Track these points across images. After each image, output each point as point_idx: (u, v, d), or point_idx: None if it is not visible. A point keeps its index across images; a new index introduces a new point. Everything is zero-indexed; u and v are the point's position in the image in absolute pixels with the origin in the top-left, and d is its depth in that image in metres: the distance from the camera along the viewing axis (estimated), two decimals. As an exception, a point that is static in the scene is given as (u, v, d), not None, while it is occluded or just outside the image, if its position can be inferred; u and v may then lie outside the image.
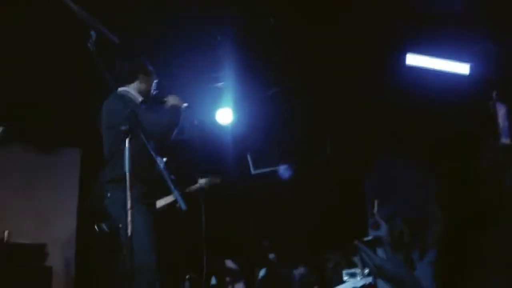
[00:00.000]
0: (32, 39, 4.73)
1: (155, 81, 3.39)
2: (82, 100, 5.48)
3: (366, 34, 4.83)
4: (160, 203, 4.75)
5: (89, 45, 2.46)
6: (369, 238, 3.80)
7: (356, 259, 4.28)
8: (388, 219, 2.78)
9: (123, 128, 2.29)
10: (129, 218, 2.20)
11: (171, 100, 3.25)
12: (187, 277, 6.17)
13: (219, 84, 5.74)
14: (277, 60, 5.36)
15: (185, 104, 3.24)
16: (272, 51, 5.22)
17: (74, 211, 6.90)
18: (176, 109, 3.17)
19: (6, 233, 5.25)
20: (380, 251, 2.24)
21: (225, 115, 6.14)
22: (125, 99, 3.02)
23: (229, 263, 7.16)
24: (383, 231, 2.21)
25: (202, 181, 5.08)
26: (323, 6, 4.46)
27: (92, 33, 2.49)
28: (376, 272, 1.92)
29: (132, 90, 3.28)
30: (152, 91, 3.36)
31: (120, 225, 2.88)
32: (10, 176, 6.57)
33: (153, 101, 3.34)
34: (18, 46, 4.84)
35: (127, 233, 2.72)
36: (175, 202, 4.84)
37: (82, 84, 5.27)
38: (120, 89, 3.21)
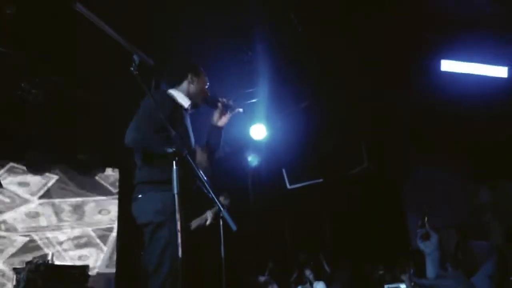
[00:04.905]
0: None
1: (205, 81, 3.05)
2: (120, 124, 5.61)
3: (400, 42, 4.77)
4: (196, 222, 4.75)
5: (132, 69, 2.46)
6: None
7: (404, 277, 4.16)
8: (438, 229, 2.66)
9: (169, 150, 2.27)
10: (179, 240, 2.17)
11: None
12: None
13: (253, 100, 5.73)
14: (310, 73, 5.33)
15: (240, 110, 3.03)
16: (304, 64, 5.19)
17: (114, 230, 7.08)
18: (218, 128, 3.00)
19: (50, 254, 5.36)
20: (430, 270, 2.13)
21: (259, 131, 6.15)
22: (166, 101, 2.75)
23: (265, 279, 7.09)
24: (434, 242, 2.11)
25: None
26: (357, 15, 4.42)
27: (135, 57, 2.48)
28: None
29: (180, 93, 2.96)
30: (204, 94, 3.03)
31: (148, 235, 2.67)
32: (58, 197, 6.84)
33: (207, 105, 3.03)
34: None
35: (156, 245, 2.60)
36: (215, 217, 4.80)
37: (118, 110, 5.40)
38: (169, 91, 2.96)
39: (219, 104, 3.01)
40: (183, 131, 2.80)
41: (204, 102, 3.03)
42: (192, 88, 2.99)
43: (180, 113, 2.88)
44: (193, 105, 2.99)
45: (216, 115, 3.03)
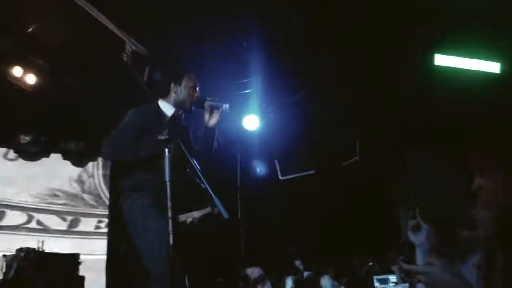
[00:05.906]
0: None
1: (190, 86, 3.14)
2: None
3: (394, 36, 4.78)
4: (194, 214, 4.74)
5: (124, 57, 2.47)
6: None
7: (394, 268, 4.20)
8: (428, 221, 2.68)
9: (161, 137, 2.28)
10: (170, 228, 2.18)
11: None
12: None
13: (246, 91, 5.72)
14: (304, 64, 5.33)
15: (227, 105, 3.11)
16: (298, 56, 5.19)
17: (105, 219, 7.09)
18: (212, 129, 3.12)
19: (41, 241, 5.33)
20: (420, 258, 2.16)
21: (252, 122, 6.14)
22: (147, 116, 2.94)
23: (257, 270, 7.12)
24: (424, 233, 2.13)
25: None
26: (351, 8, 4.42)
27: (128, 45, 2.49)
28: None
29: (167, 103, 3.12)
30: (191, 98, 3.12)
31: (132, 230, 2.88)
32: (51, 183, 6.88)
33: (196, 106, 3.14)
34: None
35: (140, 237, 2.81)
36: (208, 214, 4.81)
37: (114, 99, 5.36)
38: (159, 102, 3.13)
39: (205, 105, 3.11)
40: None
41: (193, 105, 3.14)
42: (177, 97, 3.13)
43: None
44: (183, 110, 3.13)
45: (206, 115, 3.13)
